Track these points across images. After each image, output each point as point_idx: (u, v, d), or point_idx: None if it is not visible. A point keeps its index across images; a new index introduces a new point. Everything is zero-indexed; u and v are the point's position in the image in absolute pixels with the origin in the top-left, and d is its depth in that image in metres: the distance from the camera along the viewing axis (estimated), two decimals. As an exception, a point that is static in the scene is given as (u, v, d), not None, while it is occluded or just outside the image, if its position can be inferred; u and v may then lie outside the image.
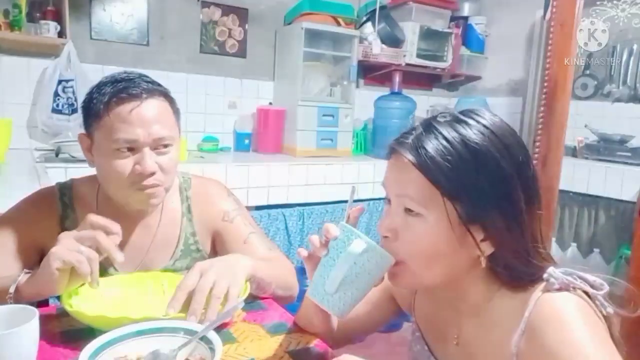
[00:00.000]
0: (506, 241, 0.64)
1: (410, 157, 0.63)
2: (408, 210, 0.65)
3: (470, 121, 0.64)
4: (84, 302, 0.82)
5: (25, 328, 0.64)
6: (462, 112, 0.67)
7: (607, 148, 2.64)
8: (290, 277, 1.02)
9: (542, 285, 0.64)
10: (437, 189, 0.62)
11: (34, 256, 0.94)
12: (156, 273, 0.98)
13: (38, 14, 2.21)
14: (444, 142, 0.62)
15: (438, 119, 0.66)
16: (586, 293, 0.62)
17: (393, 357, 2.41)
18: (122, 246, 0.96)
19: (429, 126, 0.65)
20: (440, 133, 0.63)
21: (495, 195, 0.62)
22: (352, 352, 0.62)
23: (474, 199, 0.62)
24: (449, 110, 0.68)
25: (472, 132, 0.63)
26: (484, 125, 0.64)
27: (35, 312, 0.67)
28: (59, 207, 0.99)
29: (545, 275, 0.64)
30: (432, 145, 0.62)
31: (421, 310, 0.83)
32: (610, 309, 0.62)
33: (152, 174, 0.91)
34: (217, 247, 1.09)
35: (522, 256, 0.64)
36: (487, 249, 0.64)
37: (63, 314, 0.83)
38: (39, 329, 0.67)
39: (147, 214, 1.02)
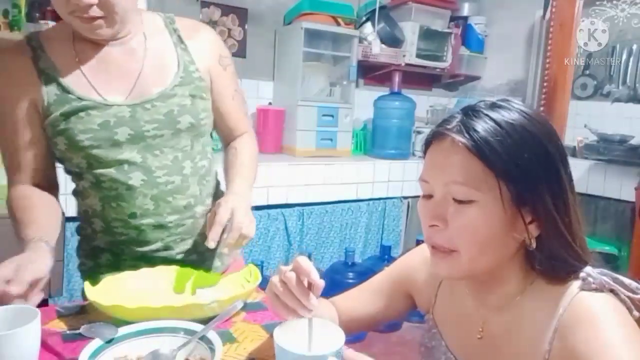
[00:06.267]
0: (553, 222, 0.64)
1: (462, 139, 0.63)
2: (457, 200, 0.64)
3: (510, 106, 0.66)
4: (104, 294, 0.83)
5: (27, 328, 0.64)
6: (498, 100, 0.68)
7: (606, 148, 2.64)
8: (256, 156, 1.15)
9: (577, 282, 0.64)
10: (490, 171, 0.62)
11: (30, 109, 0.93)
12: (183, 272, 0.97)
13: (37, 14, 2.21)
14: (493, 124, 0.63)
15: (478, 104, 0.67)
16: (614, 294, 0.63)
17: (393, 357, 2.41)
18: (108, 74, 0.96)
19: (472, 111, 0.66)
20: (487, 115, 0.64)
21: (544, 175, 0.63)
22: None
23: (526, 179, 0.62)
24: (485, 99, 0.69)
25: (516, 115, 0.64)
26: (523, 111, 0.65)
27: (37, 313, 0.67)
28: (29, 49, 0.94)
29: (582, 274, 0.64)
30: (482, 127, 0.63)
31: (442, 306, 0.82)
32: (636, 313, 0.62)
33: (89, 5, 0.86)
34: (212, 90, 1.07)
35: (567, 242, 0.65)
36: (534, 231, 0.65)
37: (63, 314, 0.84)
38: (40, 330, 0.67)
39: (124, 41, 0.98)
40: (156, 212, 0.98)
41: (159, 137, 0.97)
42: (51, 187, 1.01)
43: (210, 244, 0.89)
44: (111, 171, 0.95)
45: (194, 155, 1.03)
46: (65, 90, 0.93)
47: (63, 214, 1.06)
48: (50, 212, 0.95)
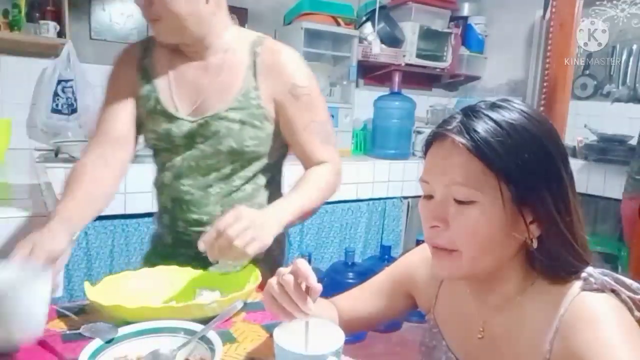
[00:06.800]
0: (554, 222, 0.64)
1: (463, 140, 0.63)
2: (458, 201, 0.64)
3: (510, 106, 0.66)
4: (104, 294, 0.83)
5: (35, 287, 0.67)
6: (498, 100, 0.67)
7: (606, 148, 2.64)
8: (328, 191, 1.07)
9: (579, 283, 0.64)
10: (491, 171, 0.62)
11: (131, 92, 1.06)
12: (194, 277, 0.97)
13: (37, 14, 2.21)
14: (493, 124, 0.63)
15: (478, 104, 0.67)
16: (616, 294, 0.63)
17: (393, 357, 2.41)
18: (182, 85, 1.06)
19: (472, 111, 0.66)
20: (487, 116, 0.64)
21: (545, 174, 0.63)
22: (352, 353, 0.62)
23: (526, 179, 0.62)
24: (485, 100, 0.69)
25: (516, 115, 0.64)
26: (524, 111, 0.65)
27: (47, 267, 0.69)
28: (140, 49, 1.09)
29: (583, 275, 0.64)
30: (482, 128, 0.63)
31: (442, 306, 0.82)
32: (637, 313, 0.62)
33: (141, 6, 0.96)
34: (279, 119, 1.06)
35: (568, 242, 0.64)
36: (535, 231, 0.64)
37: (63, 314, 0.84)
38: (50, 286, 0.70)
39: (204, 56, 1.05)
40: (171, 213, 1.08)
41: (201, 151, 1.04)
42: (116, 164, 1.04)
43: (200, 245, 0.86)
44: (160, 166, 1.10)
45: (233, 179, 1.06)
46: (153, 89, 1.05)
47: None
48: (93, 194, 0.98)
